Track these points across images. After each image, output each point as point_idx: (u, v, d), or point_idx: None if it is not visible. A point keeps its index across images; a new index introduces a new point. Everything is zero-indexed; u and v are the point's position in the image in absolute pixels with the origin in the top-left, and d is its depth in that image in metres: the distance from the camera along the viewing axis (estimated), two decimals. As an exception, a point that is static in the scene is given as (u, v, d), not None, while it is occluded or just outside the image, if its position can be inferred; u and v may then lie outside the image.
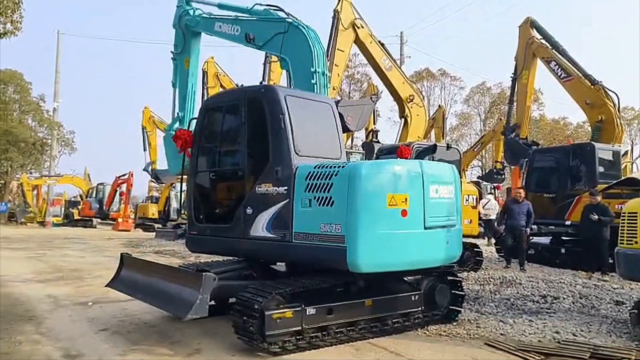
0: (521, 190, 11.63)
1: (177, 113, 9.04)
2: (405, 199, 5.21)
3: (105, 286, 6.81)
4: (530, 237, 12.66)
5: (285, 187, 5.48)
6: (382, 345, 5.45)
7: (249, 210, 5.76)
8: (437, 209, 5.55)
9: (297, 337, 5.09)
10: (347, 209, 5.00)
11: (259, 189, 5.71)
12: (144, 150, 22.95)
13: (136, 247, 17.20)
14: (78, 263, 12.58)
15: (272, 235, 5.59)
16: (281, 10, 7.54)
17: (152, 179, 26.66)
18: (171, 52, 9.66)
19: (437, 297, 6.17)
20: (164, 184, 27.43)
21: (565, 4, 75.42)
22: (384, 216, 5.11)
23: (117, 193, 31.80)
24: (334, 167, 5.28)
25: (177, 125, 8.88)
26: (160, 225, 26.23)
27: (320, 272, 5.52)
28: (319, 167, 5.35)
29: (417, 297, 6.03)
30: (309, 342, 5.15)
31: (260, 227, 5.66)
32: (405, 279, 6.23)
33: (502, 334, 5.87)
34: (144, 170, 23.71)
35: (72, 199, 37.60)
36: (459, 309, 6.40)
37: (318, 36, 7.42)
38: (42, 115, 34.39)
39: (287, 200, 5.45)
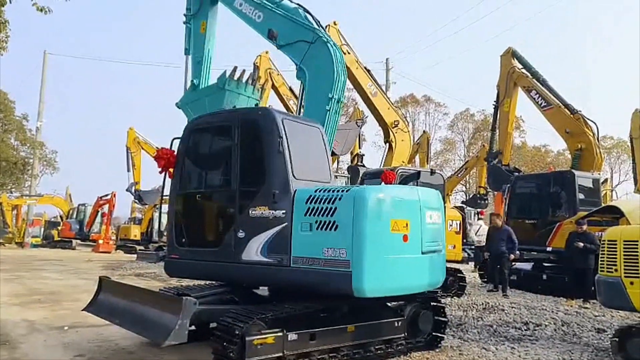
0: (495, 218, 11.87)
1: (192, 80, 7.99)
2: (407, 224, 5.31)
3: (82, 310, 6.64)
4: (513, 263, 12.79)
5: (284, 211, 5.38)
6: (365, 373, 5.39)
7: (241, 234, 5.59)
8: (431, 234, 5.68)
9: None
10: (353, 234, 4.99)
11: (253, 212, 5.55)
12: (128, 170, 22.75)
13: (116, 270, 16.90)
14: (56, 286, 12.30)
15: (267, 260, 5.44)
16: (311, 15, 6.99)
17: (136, 200, 26.35)
18: (184, 14, 8.64)
19: (421, 324, 6.14)
20: (147, 205, 27.15)
21: (544, 35, 77.66)
22: (388, 241, 5.15)
23: (99, 214, 31.35)
24: (337, 191, 5.27)
25: (191, 93, 8.00)
26: (142, 247, 25.86)
27: (303, 297, 5.44)
28: (320, 191, 5.32)
29: (400, 323, 5.99)
30: None
31: (253, 251, 5.51)
32: (389, 304, 6.18)
33: (484, 362, 5.85)
34: (127, 190, 23.46)
35: (52, 220, 36.97)
36: (442, 335, 6.37)
37: (344, 60, 7.06)
38: (25, 135, 33.98)
39: (286, 224, 5.35)
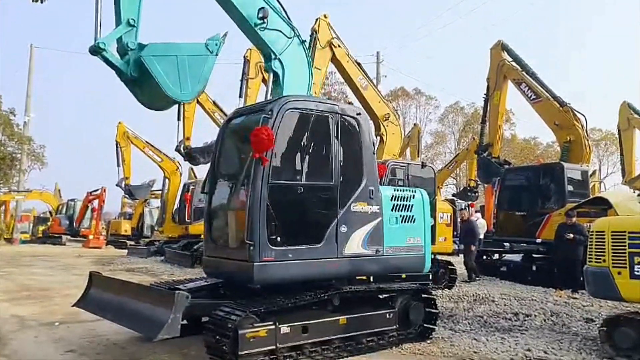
0: (464, 213, 12.57)
1: (129, 19, 5.26)
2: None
3: (73, 306, 6.59)
4: (503, 255, 13.00)
5: (378, 207, 6.04)
6: (357, 364, 5.43)
7: (344, 229, 5.69)
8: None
9: (272, 357, 5.04)
10: (424, 225, 6.61)
11: (355, 207, 5.82)
12: (118, 165, 22.52)
13: (107, 265, 16.80)
14: (46, 282, 12.22)
15: (367, 252, 5.91)
16: (287, 14, 6.70)
17: (126, 195, 26.17)
18: None
19: (412, 315, 6.27)
20: (137, 200, 26.99)
21: (532, 29, 77.98)
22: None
23: (89, 209, 31.11)
24: (409, 191, 6.69)
25: (161, 45, 5.50)
26: (133, 243, 25.73)
27: (294, 291, 5.46)
28: (397, 191, 6.55)
29: (391, 315, 6.12)
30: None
31: (355, 245, 5.80)
32: (380, 296, 6.28)
33: (475, 352, 5.92)
34: (117, 185, 23.27)
35: (42, 215, 36.63)
36: (433, 326, 6.47)
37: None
38: (12, 129, 33.56)
39: (380, 218, 6.04)
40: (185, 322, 5.54)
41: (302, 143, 5.92)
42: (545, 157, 38.38)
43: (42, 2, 9.91)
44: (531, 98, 14.27)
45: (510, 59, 15.14)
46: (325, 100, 6.37)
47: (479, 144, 17.27)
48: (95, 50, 5.04)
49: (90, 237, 28.10)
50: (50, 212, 35.35)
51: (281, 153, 5.59)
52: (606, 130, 47.71)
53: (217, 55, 5.73)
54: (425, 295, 6.55)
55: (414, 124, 29.58)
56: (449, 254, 11.63)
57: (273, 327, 5.02)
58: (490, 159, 15.97)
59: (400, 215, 6.38)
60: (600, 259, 5.90)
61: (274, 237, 5.23)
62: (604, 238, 5.89)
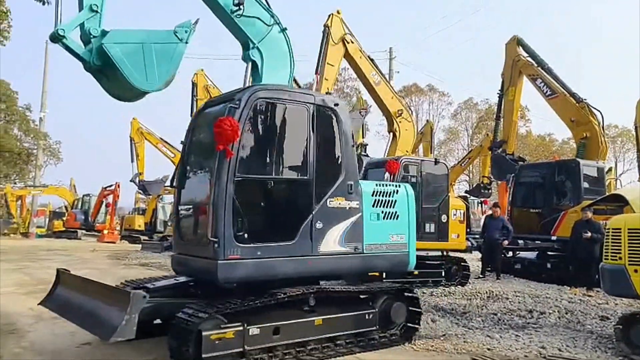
0: (496, 209, 12.38)
1: (91, 5, 4.96)
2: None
3: (38, 304, 6.28)
4: (517, 253, 12.86)
5: (357, 202, 5.74)
6: (368, 359, 5.43)
7: (319, 225, 5.41)
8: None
9: (241, 359, 4.85)
10: (408, 221, 6.28)
11: (331, 202, 5.52)
12: (132, 161, 22.75)
13: (121, 259, 17.00)
14: (62, 275, 12.38)
15: (345, 249, 5.62)
16: (267, 2, 6.41)
17: (139, 191, 26.42)
18: None
19: (393, 315, 6.03)
20: (151, 196, 27.21)
21: (549, 23, 77.00)
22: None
23: (103, 204, 31.46)
24: (392, 186, 6.36)
25: (124, 32, 5.12)
26: (146, 238, 25.97)
27: (267, 290, 5.19)
28: (379, 186, 6.19)
29: (371, 315, 5.88)
30: None
31: (332, 242, 5.51)
32: (361, 296, 6.07)
33: (488, 349, 5.88)
34: (131, 181, 23.50)
35: (57, 210, 37.13)
36: (417, 327, 6.24)
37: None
38: (28, 125, 34.05)
39: (360, 214, 5.75)
40: (159, 321, 5.54)
41: (274, 135, 5.52)
42: (561, 154, 37.93)
43: (46, 4, 9.88)
44: (547, 94, 14.10)
45: (525, 55, 14.97)
46: (299, 90, 6.02)
47: (493, 140, 17.13)
48: (55, 37, 4.79)
49: (105, 231, 28.43)
50: (65, 207, 35.85)
51: (250, 145, 5.21)
52: (623, 126, 47.05)
53: (187, 43, 5.36)
54: (408, 295, 6.26)
55: (427, 120, 29.40)
56: (462, 251, 11.56)
57: (241, 328, 4.80)
58: (504, 155, 15.82)
59: (382, 212, 6.04)
60: (616, 256, 5.83)
61: (240, 233, 4.95)
62: (620, 235, 5.83)
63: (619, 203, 9.56)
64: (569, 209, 11.64)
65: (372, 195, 6.01)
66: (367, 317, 5.84)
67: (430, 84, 52.06)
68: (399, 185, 6.48)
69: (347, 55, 13.49)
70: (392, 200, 6.17)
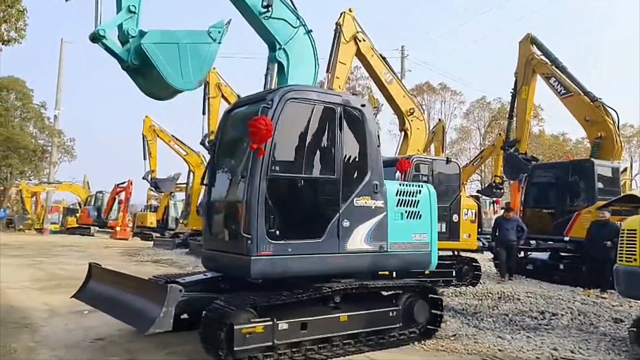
0: (509, 212, 12.14)
1: (129, 5, 5.13)
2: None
3: (71, 297, 6.52)
4: (529, 253, 12.73)
5: (382, 202, 5.87)
6: (379, 359, 5.42)
7: (346, 223, 5.53)
8: None
9: (268, 353, 4.94)
10: (431, 221, 6.42)
11: (358, 201, 5.66)
12: (144, 158, 22.90)
13: (134, 256, 17.15)
14: (75, 271, 12.50)
15: (370, 247, 5.74)
16: (293, 4, 6.53)
17: (152, 188, 26.60)
18: None
19: (416, 314, 6.09)
20: (163, 193, 27.41)
21: (565, 21, 76.08)
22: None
23: (116, 201, 31.77)
24: (415, 186, 6.48)
25: (161, 33, 5.26)
26: (158, 235, 26.18)
27: (295, 286, 5.31)
28: (403, 186, 6.35)
29: (395, 313, 5.97)
30: (279, 358, 5.01)
31: (358, 240, 5.64)
32: (384, 293, 6.18)
33: (499, 350, 5.84)
34: (143, 178, 23.67)
35: (71, 207, 37.56)
36: (437, 328, 6.30)
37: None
38: (44, 123, 34.49)
39: (384, 213, 5.87)
40: (186, 316, 5.60)
41: (304, 134, 5.59)
42: (575, 154, 37.49)
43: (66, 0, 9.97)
44: (561, 93, 13.93)
45: (539, 53, 14.80)
46: (328, 91, 6.21)
47: (506, 139, 16.95)
48: (96, 37, 4.92)
49: (118, 228, 28.74)
50: (79, 204, 36.25)
51: (281, 144, 5.32)
52: (639, 126, 46.40)
53: (220, 43, 5.51)
54: (431, 294, 6.33)
55: (439, 120, 29.15)
56: (473, 251, 11.49)
57: (270, 323, 4.90)
58: (517, 155, 15.68)
59: (406, 211, 6.20)
60: (630, 258, 5.76)
61: (272, 230, 5.08)
62: (635, 237, 5.75)
63: (634, 204, 9.45)
64: (583, 210, 11.51)
65: (396, 195, 6.14)
66: (390, 314, 5.93)
67: (443, 82, 51.84)
68: (422, 186, 6.59)
69: (359, 54, 13.43)
70: (415, 200, 6.32)
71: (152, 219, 29.26)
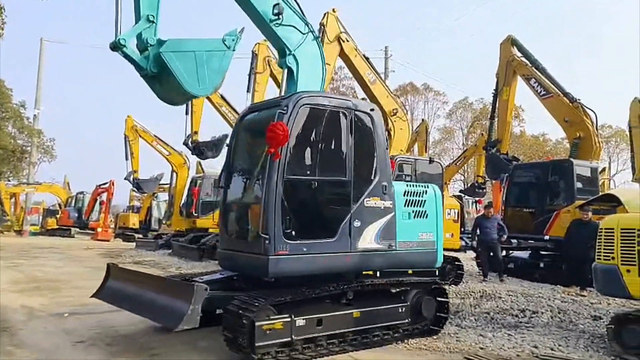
0: (490, 209, 12.17)
1: (148, 15, 5.28)
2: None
3: (91, 297, 6.68)
4: (510, 252, 12.87)
5: (391, 202, 6.10)
6: (363, 359, 5.45)
7: (357, 223, 5.78)
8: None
9: (287, 349, 5.18)
10: (437, 220, 6.62)
11: (368, 202, 5.89)
12: (126, 159, 22.61)
13: (115, 258, 16.94)
14: (55, 273, 12.34)
15: (379, 246, 5.98)
16: (301, 10, 6.73)
17: (134, 188, 26.31)
18: None
19: (424, 310, 6.36)
20: (145, 194, 27.13)
21: (542, 24, 77.27)
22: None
23: (97, 202, 31.34)
24: (422, 187, 6.70)
25: (178, 41, 5.45)
26: (141, 236, 25.91)
27: (308, 284, 5.52)
28: (410, 186, 6.57)
29: (403, 309, 6.22)
30: (299, 353, 5.26)
31: (368, 239, 5.87)
32: (392, 290, 6.39)
33: (481, 348, 5.91)
34: (125, 179, 23.39)
35: (51, 208, 36.95)
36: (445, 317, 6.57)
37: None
38: (23, 122, 33.84)
39: (393, 213, 6.10)
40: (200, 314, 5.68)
41: (317, 138, 5.88)
42: (555, 154, 38.10)
43: None
44: (541, 94, 14.13)
45: (520, 55, 15.01)
46: (339, 96, 6.42)
47: (488, 139, 17.16)
48: (116, 47, 5.10)
49: (99, 229, 28.36)
50: (59, 205, 35.67)
51: (296, 148, 5.60)
52: (617, 126, 47.28)
53: (234, 50, 5.76)
54: (438, 290, 6.61)
55: (422, 120, 29.36)
56: (456, 250, 11.59)
57: (289, 319, 5.13)
58: (498, 155, 15.87)
59: (413, 211, 6.43)
60: (609, 256, 5.87)
61: (288, 230, 5.31)
62: (613, 235, 5.86)
63: (612, 203, 9.63)
64: (562, 209, 11.69)
65: (404, 195, 6.38)
66: (399, 310, 6.20)
67: (426, 83, 52.19)
68: (428, 186, 6.84)
69: (343, 54, 13.46)
70: (421, 200, 6.55)
71: (134, 220, 28.94)
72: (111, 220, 31.12)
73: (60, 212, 33.98)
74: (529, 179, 13.49)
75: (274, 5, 6.26)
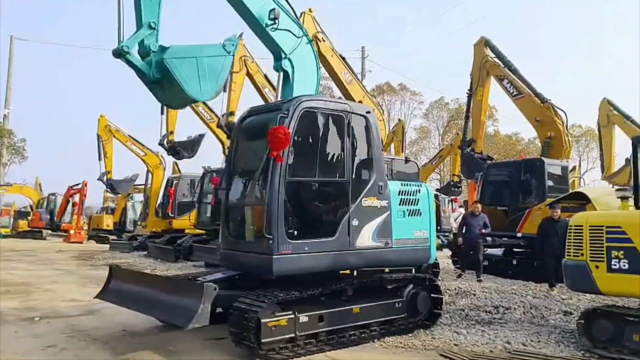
0: (479, 205, 12.03)
1: (150, 22, 5.38)
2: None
3: (95, 298, 6.69)
4: (485, 250, 13.02)
5: (387, 201, 6.32)
6: (339, 358, 5.47)
7: (355, 222, 5.97)
8: None
9: (291, 345, 5.39)
10: (429, 218, 6.86)
11: (365, 202, 6.09)
12: (99, 159, 22.20)
13: (88, 260, 16.64)
14: (26, 276, 12.05)
15: (377, 244, 6.20)
16: (294, 12, 6.91)
17: (108, 189, 25.87)
18: None
19: (419, 304, 6.62)
20: (119, 195, 26.69)
21: (521, 23, 78.72)
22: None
23: (70, 203, 30.68)
24: (415, 186, 6.92)
25: (181, 47, 5.61)
26: (115, 237, 25.48)
27: (308, 282, 5.72)
28: (404, 186, 6.75)
29: (400, 304, 6.48)
30: (302, 348, 5.47)
31: (366, 238, 6.10)
32: (388, 286, 6.57)
33: (455, 345, 6.00)
34: (98, 180, 22.98)
35: (22, 210, 36.05)
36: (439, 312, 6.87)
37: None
38: (-8, 122, 32.98)
39: (389, 212, 6.32)
40: None
41: (316, 141, 6.10)
42: (527, 153, 38.84)
43: None
44: (513, 94, 14.38)
45: (493, 55, 15.25)
46: (336, 100, 6.73)
47: (463, 139, 17.39)
48: (120, 53, 5.21)
49: (72, 231, 27.72)
50: (30, 207, 34.83)
51: (297, 151, 5.77)
52: (586, 126, 48.40)
53: (233, 55, 5.99)
54: (432, 285, 6.88)
55: (399, 120, 29.65)
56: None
57: (292, 316, 5.35)
58: (473, 154, 16.09)
59: (407, 209, 6.65)
60: (578, 252, 6.00)
61: (291, 231, 5.52)
62: (582, 232, 5.98)
63: (582, 201, 9.87)
64: (534, 207, 11.91)
65: (399, 194, 6.59)
66: (396, 305, 6.45)
67: (402, 83, 52.63)
68: (421, 185, 7.12)
69: (319, 54, 13.47)
70: (415, 199, 6.78)
71: (108, 222, 28.44)
72: (84, 222, 30.47)
73: (31, 214, 33.18)
74: (502, 178, 13.69)
75: (271, 10, 6.42)
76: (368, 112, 6.38)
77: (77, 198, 29.36)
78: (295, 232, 5.56)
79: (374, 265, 6.36)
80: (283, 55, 6.69)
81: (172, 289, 5.76)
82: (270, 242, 5.38)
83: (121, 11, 5.20)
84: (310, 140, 6.08)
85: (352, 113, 6.17)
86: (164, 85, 5.54)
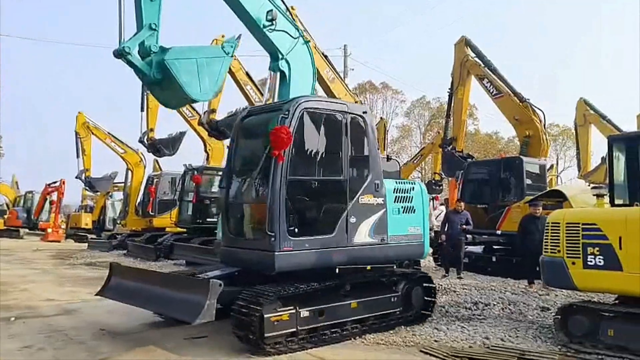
0: (462, 203, 12.15)
1: (150, 24, 5.43)
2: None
3: (95, 295, 6.68)
4: (465, 247, 13.16)
5: (382, 199, 6.51)
6: (320, 356, 5.49)
7: (353, 219, 6.15)
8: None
9: (292, 339, 5.55)
10: (423, 214, 7.08)
11: (362, 199, 6.27)
12: (77, 157, 21.86)
13: (66, 259, 16.38)
14: (2, 276, 11.80)
15: (373, 240, 6.40)
16: (291, 14, 7.06)
17: (86, 187, 25.46)
18: None
19: (413, 299, 6.85)
20: (98, 193, 26.31)
21: (503, 24, 79.64)
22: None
23: (47, 202, 30.14)
24: (409, 184, 7.17)
25: (181, 49, 5.64)
26: (94, 236, 25.10)
27: (308, 277, 5.86)
28: (399, 184, 6.94)
29: (395, 298, 6.69)
30: (303, 342, 5.64)
31: (363, 234, 6.29)
32: (383, 280, 6.75)
33: (435, 341, 6.06)
34: (77, 177, 22.61)
35: (-2, 208, 35.31)
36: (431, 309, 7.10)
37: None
38: (-35, 119, 32.18)
39: (384, 209, 6.50)
40: None
41: (316, 140, 6.22)
42: (507, 152, 39.34)
43: None
44: (493, 93, 14.55)
45: (473, 55, 15.40)
46: (334, 100, 6.88)
47: (444, 138, 17.52)
48: (121, 54, 5.29)
49: (49, 230, 27.25)
50: (7, 205, 34.15)
51: (297, 150, 5.89)
52: (564, 125, 49.20)
53: (232, 56, 6.11)
54: (425, 281, 7.12)
55: (380, 118, 29.80)
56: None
57: (294, 311, 5.52)
58: (454, 152, 16.24)
59: (402, 206, 6.85)
60: (555, 249, 6.09)
61: (292, 228, 5.69)
62: (559, 229, 6.09)
63: (559, 198, 10.04)
64: (513, 205, 12.09)
65: (393, 192, 6.76)
66: (392, 300, 6.65)
67: (385, 81, 52.85)
68: (414, 183, 7.36)
69: (301, 52, 13.46)
70: (409, 196, 6.98)
71: (87, 220, 28.01)
72: (62, 221, 29.98)
73: (8, 213, 32.53)
74: (482, 176, 13.85)
75: (268, 12, 6.51)
76: (365, 112, 6.54)
77: (54, 196, 28.87)
78: (296, 230, 5.73)
79: (371, 261, 6.53)
80: (280, 56, 6.80)
81: (176, 285, 5.86)
82: (272, 239, 5.53)
83: (122, 12, 5.30)
84: (310, 139, 6.19)
85: (349, 113, 6.33)
86: (164, 86, 5.61)
